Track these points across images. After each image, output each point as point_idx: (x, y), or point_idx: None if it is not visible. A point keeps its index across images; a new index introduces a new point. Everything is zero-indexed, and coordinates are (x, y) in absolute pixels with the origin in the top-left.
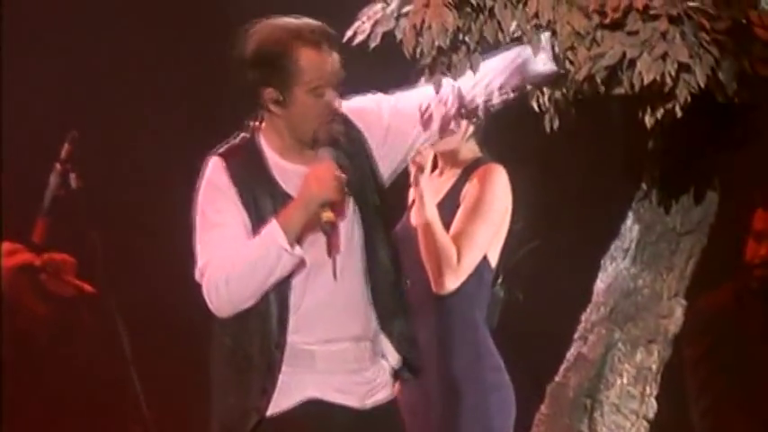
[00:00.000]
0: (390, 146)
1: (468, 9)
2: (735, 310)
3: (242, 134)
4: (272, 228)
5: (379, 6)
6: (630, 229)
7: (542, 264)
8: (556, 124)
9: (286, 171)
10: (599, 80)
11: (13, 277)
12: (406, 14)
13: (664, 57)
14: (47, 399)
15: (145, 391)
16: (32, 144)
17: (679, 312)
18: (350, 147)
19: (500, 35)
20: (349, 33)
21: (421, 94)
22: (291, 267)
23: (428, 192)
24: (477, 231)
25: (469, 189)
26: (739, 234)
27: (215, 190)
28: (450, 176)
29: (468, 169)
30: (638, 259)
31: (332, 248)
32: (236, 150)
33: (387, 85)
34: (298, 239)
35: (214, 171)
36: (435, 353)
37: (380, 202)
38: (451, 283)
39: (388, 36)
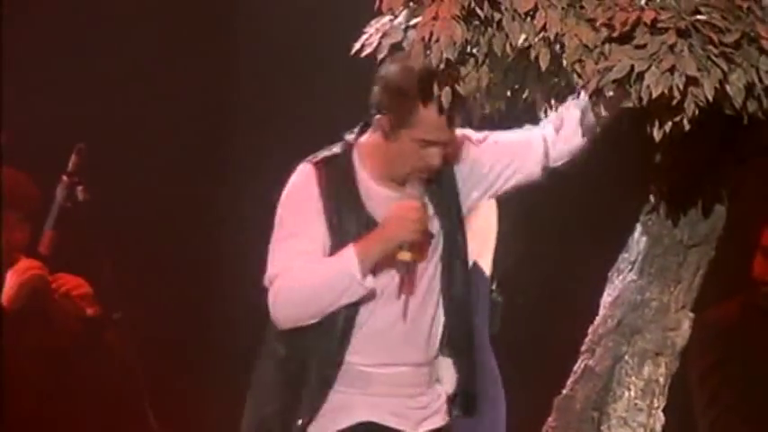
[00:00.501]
0: (473, 181)
1: (477, 22)
2: (742, 324)
3: (336, 147)
4: (348, 255)
5: (386, 19)
6: (638, 241)
7: (546, 272)
8: None
9: (374, 193)
10: (607, 93)
11: (24, 293)
12: (414, 27)
13: (672, 70)
14: (52, 414)
15: (152, 406)
16: (39, 156)
17: (686, 325)
18: (442, 180)
19: (508, 48)
20: (357, 46)
21: (514, 136)
22: (360, 297)
23: None
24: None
25: None
26: (747, 248)
27: (301, 198)
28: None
29: None
30: (645, 272)
31: (403, 289)
32: (329, 162)
33: None
34: (372, 268)
35: (304, 179)
36: None
37: (461, 238)
38: None
39: (396, 48)
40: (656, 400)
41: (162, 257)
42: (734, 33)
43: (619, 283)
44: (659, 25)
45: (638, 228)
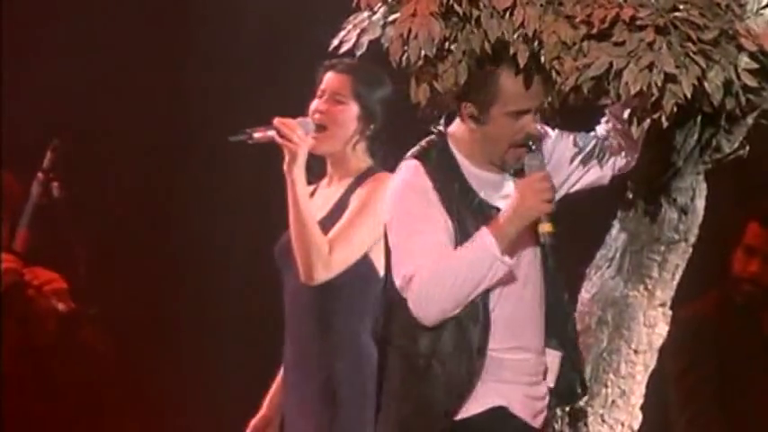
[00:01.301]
0: (554, 169)
1: (455, 18)
2: (717, 321)
3: (430, 139)
4: (484, 237)
5: (365, 15)
6: (615, 238)
7: None
8: None
9: (479, 178)
10: (585, 90)
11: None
12: (393, 23)
13: (650, 67)
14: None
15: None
16: (15, 153)
17: (664, 322)
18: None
19: (486, 45)
20: (335, 42)
21: (590, 136)
22: (502, 277)
23: (300, 181)
24: (354, 230)
25: (358, 194)
26: (725, 245)
27: (417, 194)
28: (340, 187)
29: (359, 179)
30: (623, 268)
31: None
32: (429, 155)
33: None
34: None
35: (414, 175)
36: (317, 360)
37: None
38: (322, 273)
39: (375, 45)
40: (633, 398)
41: (138, 253)
42: (712, 31)
43: (597, 280)
44: (638, 22)
45: (616, 224)
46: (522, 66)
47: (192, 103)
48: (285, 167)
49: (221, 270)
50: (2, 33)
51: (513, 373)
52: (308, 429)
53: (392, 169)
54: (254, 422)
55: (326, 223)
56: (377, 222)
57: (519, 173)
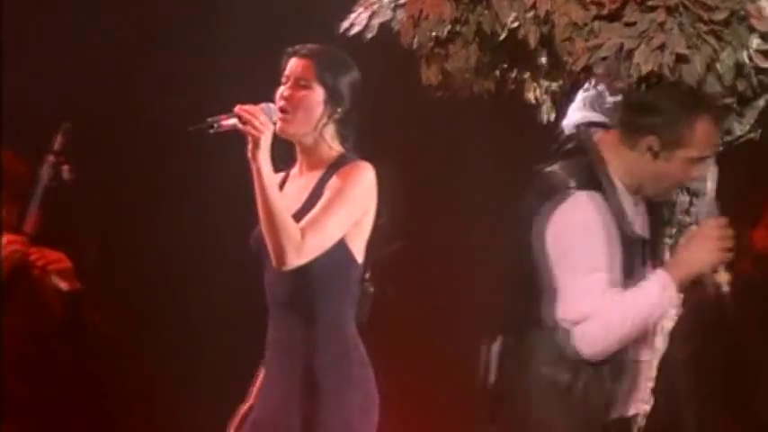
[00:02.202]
0: None
1: (466, 0)
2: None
3: (582, 164)
4: (662, 282)
5: None
6: None
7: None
8: (552, 116)
9: (631, 207)
10: (596, 71)
11: (4, 267)
12: (403, 5)
13: (661, 48)
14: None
15: (138, 389)
16: (26, 136)
17: (674, 306)
18: None
19: (497, 26)
20: (345, 24)
21: None
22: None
23: (265, 167)
24: (327, 216)
25: (332, 183)
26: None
27: (595, 231)
28: (313, 176)
29: (333, 167)
30: None
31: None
32: (592, 185)
33: (383, 77)
34: None
35: (587, 209)
36: (300, 348)
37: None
38: (293, 258)
39: (385, 27)
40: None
41: (148, 237)
42: (723, 11)
43: None
44: (649, 3)
45: None
46: (532, 47)
47: (206, 87)
48: (249, 154)
49: (233, 253)
50: (9, 14)
51: (642, 378)
52: (292, 418)
53: (365, 156)
54: (243, 409)
55: (301, 214)
56: (352, 209)
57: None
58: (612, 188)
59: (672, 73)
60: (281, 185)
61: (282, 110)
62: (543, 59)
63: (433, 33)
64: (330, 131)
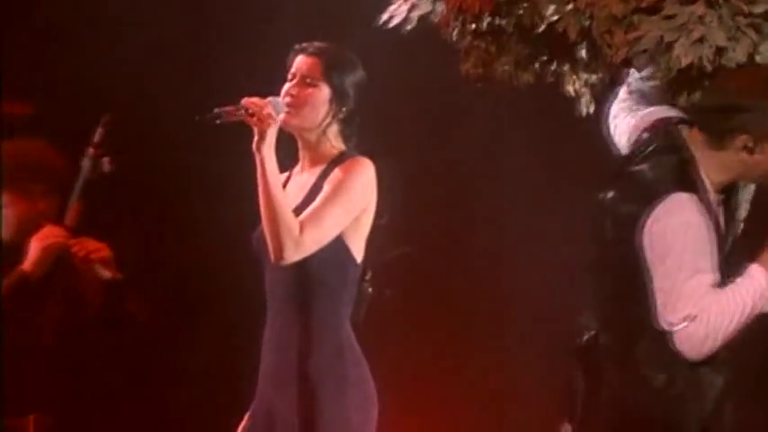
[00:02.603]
0: None
1: None
2: None
3: (675, 161)
4: (762, 275)
5: None
6: None
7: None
8: (591, 109)
9: (716, 207)
10: (636, 63)
11: (45, 258)
12: None
13: (701, 40)
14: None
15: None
16: (65, 128)
17: None
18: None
19: (537, 19)
20: (384, 17)
21: None
22: None
23: (269, 160)
24: (325, 210)
25: (331, 179)
26: None
27: (697, 233)
28: (313, 173)
29: (333, 163)
30: None
31: None
32: (689, 185)
33: (421, 70)
34: None
35: (689, 210)
36: (296, 350)
37: None
38: (291, 252)
39: (424, 20)
40: None
41: (187, 227)
42: (763, 4)
43: None
44: None
45: None
46: (572, 39)
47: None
48: (254, 146)
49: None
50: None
51: None
52: (290, 416)
53: (366, 154)
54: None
55: (301, 209)
56: (351, 204)
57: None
58: (704, 187)
59: (711, 65)
60: (285, 184)
61: (288, 106)
62: (583, 52)
63: (473, 26)
64: (333, 130)
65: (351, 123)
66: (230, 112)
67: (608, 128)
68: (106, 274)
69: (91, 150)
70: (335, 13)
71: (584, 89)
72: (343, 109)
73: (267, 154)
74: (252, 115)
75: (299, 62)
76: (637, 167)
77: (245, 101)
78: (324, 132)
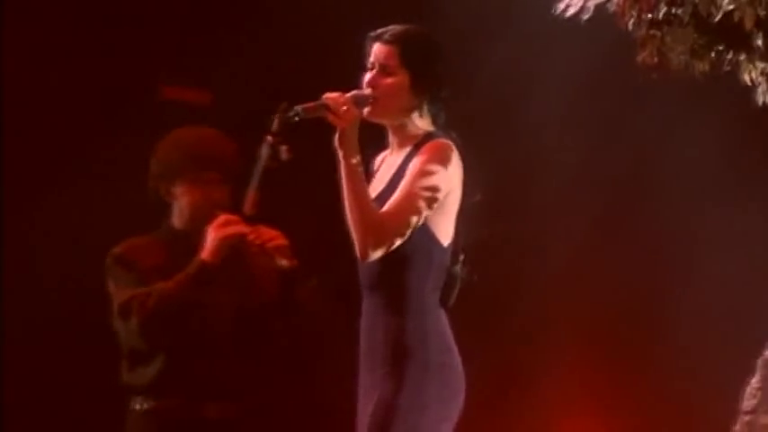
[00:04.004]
0: None
1: None
2: None
3: None
4: None
5: None
6: None
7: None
8: None
9: None
10: None
11: (224, 248)
12: None
13: None
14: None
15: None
16: (243, 116)
17: None
18: None
19: (713, 8)
20: (561, 6)
21: None
22: None
23: (350, 157)
24: (405, 204)
25: (413, 163)
26: None
27: None
28: (400, 154)
29: (419, 144)
30: None
31: None
32: None
33: (596, 59)
34: None
35: None
36: (382, 335)
37: None
38: (374, 251)
39: (601, 8)
40: None
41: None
42: None
43: None
44: None
45: None
46: (748, 29)
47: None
48: (336, 143)
49: None
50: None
51: None
52: (367, 400)
53: (454, 132)
54: None
55: (386, 194)
56: (431, 192)
57: None
58: None
59: None
60: (378, 168)
61: (371, 96)
62: (759, 41)
63: (649, 15)
64: (417, 113)
65: (437, 104)
66: (309, 109)
67: None
68: (283, 262)
69: (270, 138)
70: (513, 2)
71: (760, 78)
72: (426, 93)
73: (348, 152)
74: (331, 112)
75: (376, 50)
76: None
77: (325, 96)
78: (408, 116)
